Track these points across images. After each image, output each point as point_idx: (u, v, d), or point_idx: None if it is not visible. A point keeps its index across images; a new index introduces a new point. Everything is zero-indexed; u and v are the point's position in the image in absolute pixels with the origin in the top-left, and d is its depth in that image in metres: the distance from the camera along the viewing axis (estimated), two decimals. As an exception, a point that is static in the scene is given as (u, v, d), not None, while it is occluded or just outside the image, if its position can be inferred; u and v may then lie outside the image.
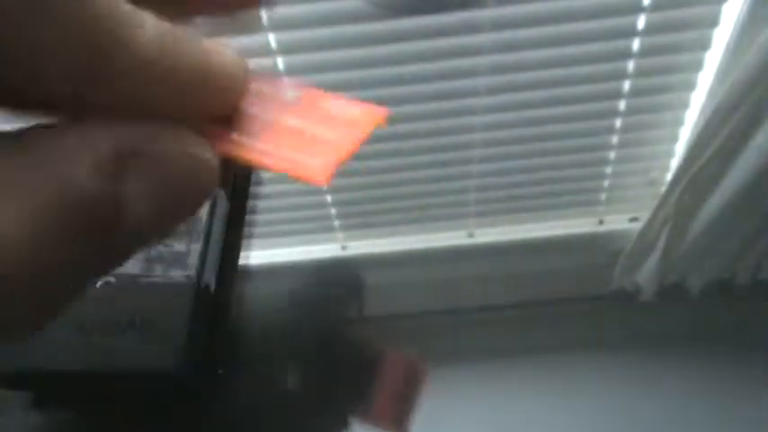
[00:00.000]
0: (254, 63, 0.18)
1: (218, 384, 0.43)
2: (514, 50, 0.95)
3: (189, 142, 0.15)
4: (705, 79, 0.98)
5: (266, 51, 0.92)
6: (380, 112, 0.18)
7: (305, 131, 0.17)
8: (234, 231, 0.45)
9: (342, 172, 1.09)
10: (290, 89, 0.18)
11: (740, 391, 1.18)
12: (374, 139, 1.04)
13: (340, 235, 1.20)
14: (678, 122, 1.05)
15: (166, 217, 0.15)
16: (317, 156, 0.17)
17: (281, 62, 0.93)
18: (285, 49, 0.92)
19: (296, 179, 0.17)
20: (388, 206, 1.15)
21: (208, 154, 0.16)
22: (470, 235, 1.20)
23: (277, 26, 0.90)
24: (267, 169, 0.17)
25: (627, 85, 1.00)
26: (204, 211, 0.44)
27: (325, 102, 0.18)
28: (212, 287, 0.42)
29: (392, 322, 1.29)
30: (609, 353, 1.25)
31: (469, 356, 1.25)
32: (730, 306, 1.22)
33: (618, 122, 1.05)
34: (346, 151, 0.17)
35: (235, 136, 0.17)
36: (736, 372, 1.20)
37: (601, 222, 1.19)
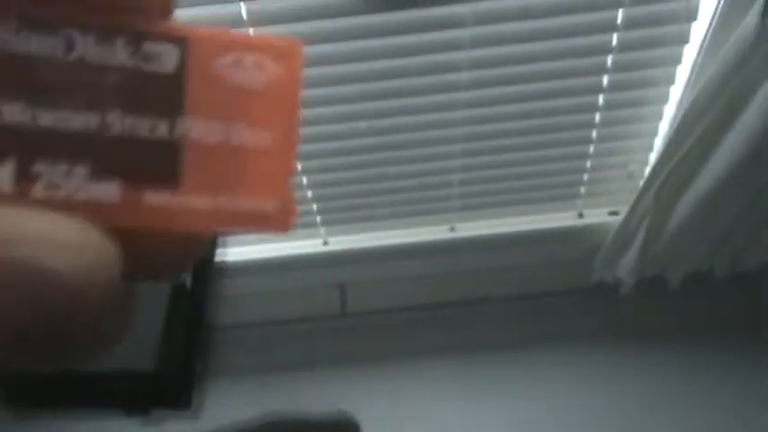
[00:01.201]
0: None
1: (197, 382, 0.43)
2: (495, 45, 0.95)
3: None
4: (683, 74, 0.99)
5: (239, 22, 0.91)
6: (295, 47, 0.13)
7: (224, 141, 0.12)
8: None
9: (323, 167, 1.09)
10: (157, 41, 0.12)
11: (720, 383, 1.19)
12: (355, 134, 1.04)
13: (322, 230, 1.20)
14: (657, 117, 1.05)
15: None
16: (262, 190, 0.12)
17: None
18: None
19: (256, 232, 0.12)
20: (370, 201, 1.15)
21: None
22: (452, 229, 1.21)
23: (255, 21, 0.89)
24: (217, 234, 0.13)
25: (606, 79, 1.00)
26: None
27: (217, 56, 0.12)
28: (188, 285, 0.41)
29: (374, 317, 1.29)
30: (589, 346, 1.26)
31: (452, 351, 1.26)
32: (709, 298, 1.23)
33: (597, 117, 1.05)
34: (293, 154, 0.12)
35: (148, 195, 0.12)
36: (715, 363, 1.21)
37: (581, 216, 1.20)
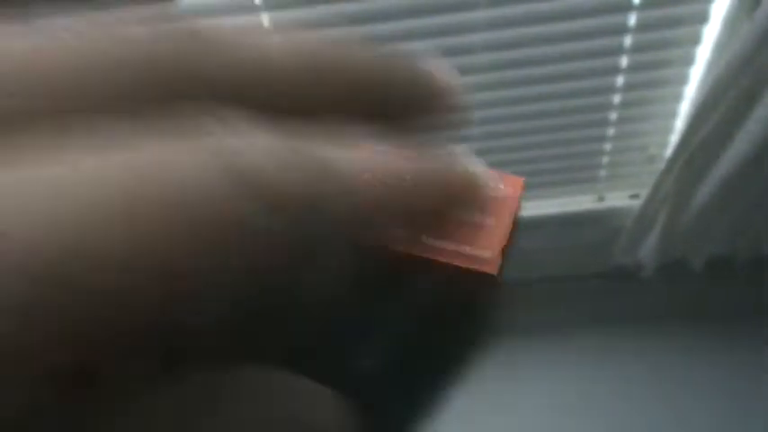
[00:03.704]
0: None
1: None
2: (511, 27, 0.94)
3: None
4: (704, 53, 0.97)
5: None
6: (519, 182, 0.18)
7: (468, 219, 0.17)
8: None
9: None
10: None
11: (742, 367, 1.18)
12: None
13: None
14: (677, 98, 1.04)
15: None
16: (484, 247, 0.16)
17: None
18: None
19: (466, 272, 0.16)
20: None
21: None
22: (470, 213, 1.20)
23: (270, 6, 0.89)
24: (436, 267, 0.16)
25: (625, 60, 0.99)
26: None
27: None
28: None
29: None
30: (609, 330, 1.25)
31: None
32: (731, 282, 1.21)
33: (617, 98, 1.04)
34: (506, 235, 0.17)
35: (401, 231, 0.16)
36: (737, 347, 1.20)
37: (601, 199, 1.19)
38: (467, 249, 0.16)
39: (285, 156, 0.11)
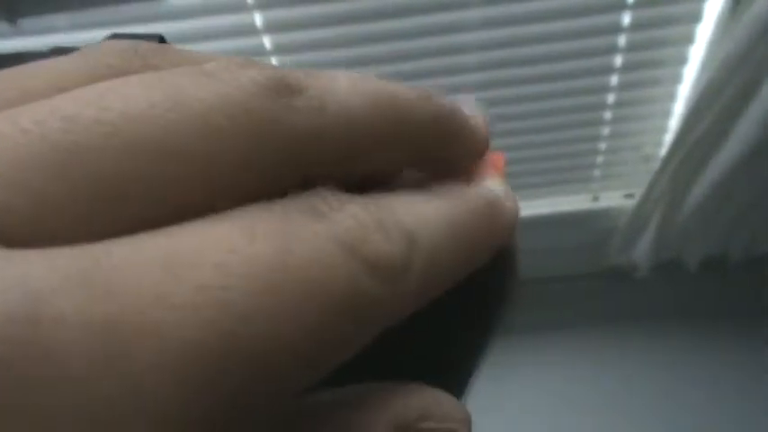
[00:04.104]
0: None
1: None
2: (504, 26, 0.94)
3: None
4: (697, 52, 0.97)
5: (252, 30, 0.91)
6: (500, 159, 0.18)
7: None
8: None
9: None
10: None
11: (737, 367, 1.18)
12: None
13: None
14: (671, 97, 1.04)
15: None
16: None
17: (267, 41, 0.93)
18: (272, 27, 0.92)
19: None
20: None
21: None
22: (465, 213, 1.20)
23: (263, 4, 0.89)
24: None
25: (619, 59, 0.99)
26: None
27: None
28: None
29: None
30: (604, 330, 1.25)
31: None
32: (726, 282, 1.21)
33: (611, 98, 1.04)
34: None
35: None
36: (732, 347, 1.20)
37: (595, 199, 1.19)
38: None
39: (375, 225, 0.12)
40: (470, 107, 0.16)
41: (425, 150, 0.15)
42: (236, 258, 0.10)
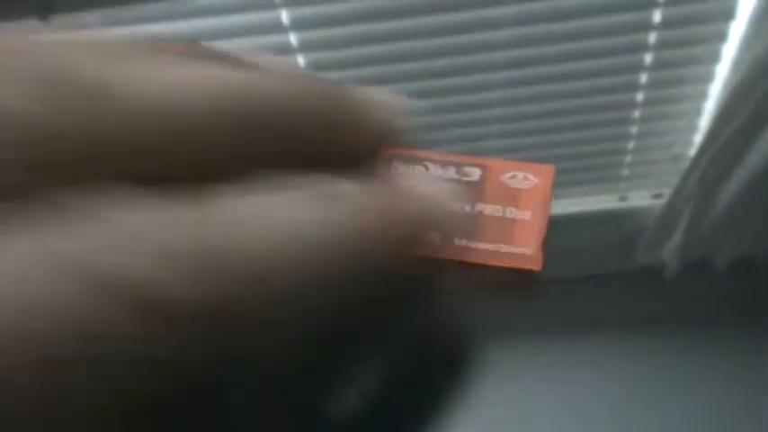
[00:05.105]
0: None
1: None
2: (534, 23, 0.94)
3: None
4: (729, 51, 0.95)
5: (279, 27, 0.92)
6: (549, 171, 0.18)
7: (502, 216, 0.17)
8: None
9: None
10: (468, 166, 0.18)
11: (765, 369, 1.16)
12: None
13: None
14: (702, 96, 1.02)
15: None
16: (523, 244, 0.16)
17: (293, 38, 0.93)
18: (299, 24, 0.92)
19: (508, 271, 0.16)
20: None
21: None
22: (491, 212, 1.19)
23: (291, 2, 0.89)
24: (477, 269, 0.16)
25: (649, 57, 0.98)
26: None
27: (503, 173, 0.18)
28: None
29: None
30: (632, 330, 1.23)
31: (489, 334, 1.25)
32: (755, 282, 1.19)
33: (640, 96, 1.03)
34: (543, 227, 0.17)
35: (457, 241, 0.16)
36: (761, 348, 1.18)
37: (623, 199, 1.18)
38: (505, 248, 0.16)
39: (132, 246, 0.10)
40: (380, 95, 0.16)
41: (290, 144, 0.13)
42: None
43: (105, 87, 0.11)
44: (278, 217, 0.11)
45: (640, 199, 1.17)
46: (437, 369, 0.18)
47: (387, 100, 0.16)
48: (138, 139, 0.11)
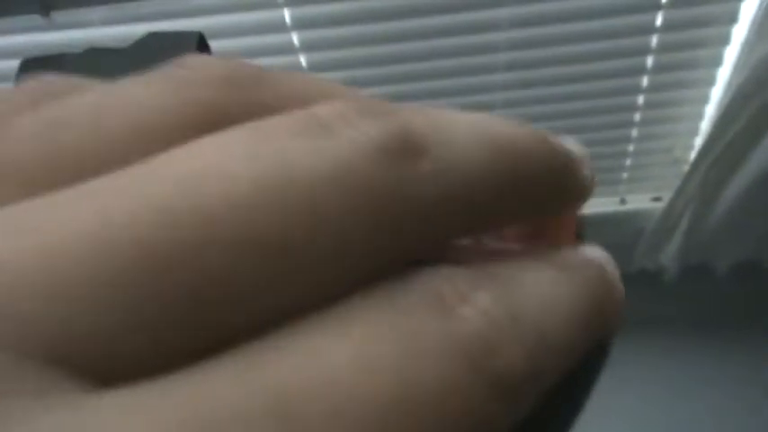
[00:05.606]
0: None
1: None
2: (535, 25, 0.93)
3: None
4: (731, 54, 0.95)
5: (281, 27, 0.91)
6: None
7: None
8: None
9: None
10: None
11: (765, 373, 1.16)
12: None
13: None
14: (703, 100, 1.02)
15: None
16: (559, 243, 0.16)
17: (295, 38, 0.93)
18: (301, 24, 0.92)
19: None
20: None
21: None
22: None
23: (294, 1, 0.89)
24: None
25: (650, 60, 0.98)
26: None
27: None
28: None
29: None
30: (631, 333, 1.23)
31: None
32: (755, 287, 1.19)
33: (641, 99, 1.03)
34: (575, 227, 0.16)
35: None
36: (761, 352, 1.18)
37: (623, 201, 1.18)
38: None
39: (508, 329, 0.10)
40: (577, 148, 0.14)
41: (540, 203, 0.13)
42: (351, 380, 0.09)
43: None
44: (555, 295, 0.11)
45: (640, 202, 1.17)
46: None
47: (586, 155, 0.14)
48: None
